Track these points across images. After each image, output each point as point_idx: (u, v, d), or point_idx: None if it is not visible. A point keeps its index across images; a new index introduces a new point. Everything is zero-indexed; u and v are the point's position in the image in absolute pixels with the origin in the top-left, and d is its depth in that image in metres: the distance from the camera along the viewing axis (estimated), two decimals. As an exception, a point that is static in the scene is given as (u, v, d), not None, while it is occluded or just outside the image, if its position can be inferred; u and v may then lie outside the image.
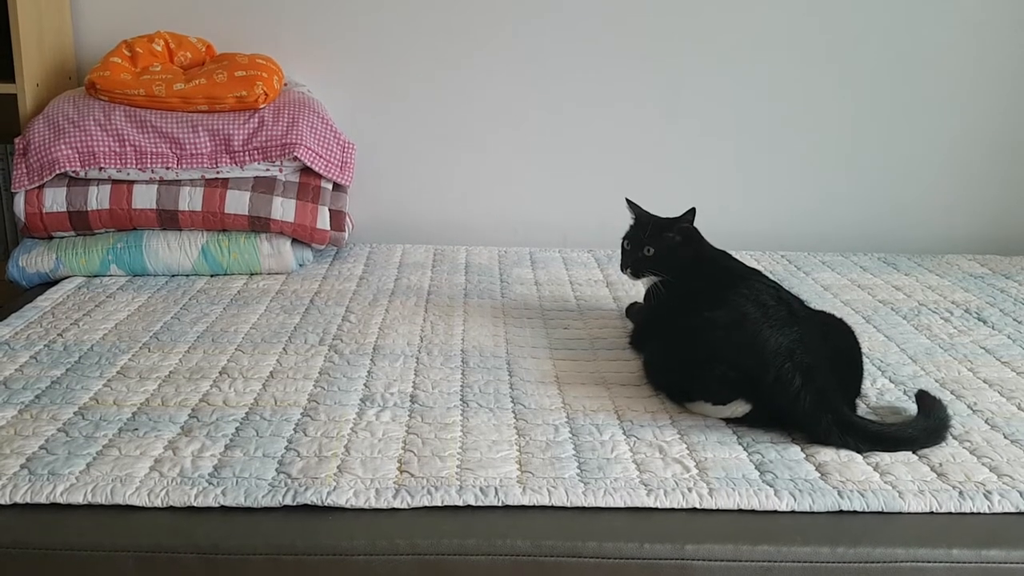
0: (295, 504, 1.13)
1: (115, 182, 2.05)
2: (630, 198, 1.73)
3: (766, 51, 2.43)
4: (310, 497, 1.14)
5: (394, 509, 1.14)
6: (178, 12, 2.35)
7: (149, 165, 2.04)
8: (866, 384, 1.51)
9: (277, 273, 2.11)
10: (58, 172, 2.01)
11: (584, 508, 1.16)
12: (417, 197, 2.52)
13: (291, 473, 1.19)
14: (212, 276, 2.08)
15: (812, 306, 1.57)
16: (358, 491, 1.15)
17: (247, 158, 2.07)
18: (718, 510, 1.16)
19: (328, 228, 2.15)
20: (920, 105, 2.49)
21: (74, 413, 1.35)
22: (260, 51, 2.30)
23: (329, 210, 2.16)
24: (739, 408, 1.36)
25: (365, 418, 1.36)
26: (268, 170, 2.10)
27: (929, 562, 1.09)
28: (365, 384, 1.49)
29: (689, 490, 1.18)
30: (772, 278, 1.60)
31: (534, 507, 1.15)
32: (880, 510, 1.17)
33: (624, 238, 1.70)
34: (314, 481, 1.17)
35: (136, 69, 2.14)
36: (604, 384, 1.52)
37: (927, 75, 2.47)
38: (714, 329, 1.39)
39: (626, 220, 1.72)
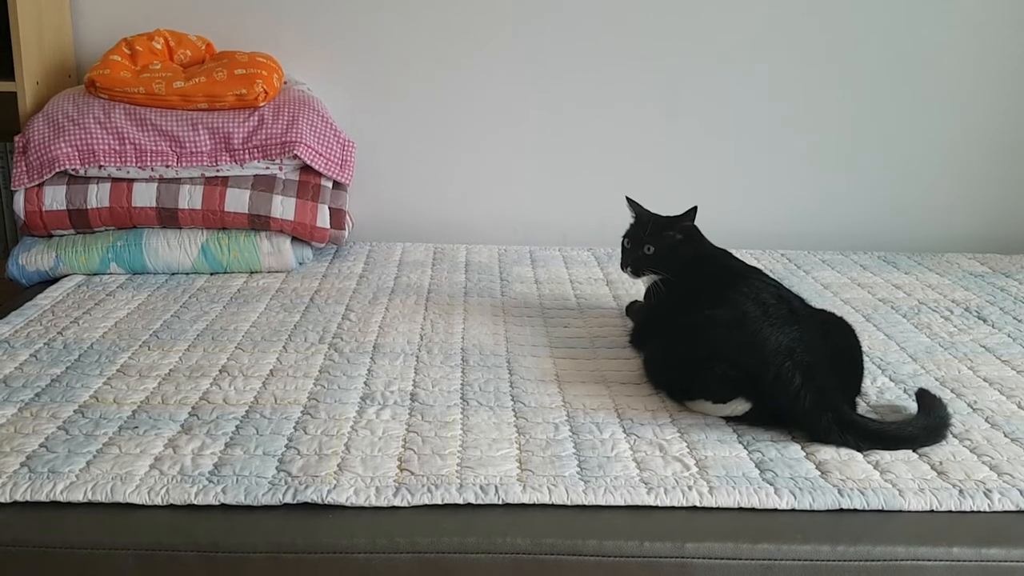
0: (295, 502, 1.13)
1: (115, 180, 2.05)
2: (630, 196, 1.73)
3: (766, 51, 2.43)
4: (310, 495, 1.14)
5: (394, 507, 1.14)
6: (178, 10, 2.35)
7: (149, 163, 2.04)
8: (866, 382, 1.51)
9: (277, 271, 2.11)
10: (58, 170, 2.01)
11: (584, 506, 1.16)
12: (417, 195, 2.52)
13: (291, 471, 1.19)
14: (212, 274, 2.08)
15: (812, 305, 1.57)
16: (358, 489, 1.15)
17: (247, 156, 2.07)
18: (718, 508, 1.16)
19: (328, 226, 2.15)
20: (920, 105, 2.49)
21: (74, 411, 1.35)
22: (260, 49, 2.30)
23: (329, 208, 2.16)
24: (739, 406, 1.36)
25: (365, 416, 1.36)
26: (268, 168, 2.10)
27: (929, 560, 1.09)
28: (365, 382, 1.49)
29: (689, 488, 1.18)
30: (772, 277, 1.60)
31: (534, 505, 1.15)
32: (880, 508, 1.17)
33: (624, 236, 1.70)
34: (314, 479, 1.17)
35: (136, 67, 2.14)
36: (604, 382, 1.52)
37: (927, 75, 2.47)
38: (714, 327, 1.39)
39: (626, 218, 1.72)
